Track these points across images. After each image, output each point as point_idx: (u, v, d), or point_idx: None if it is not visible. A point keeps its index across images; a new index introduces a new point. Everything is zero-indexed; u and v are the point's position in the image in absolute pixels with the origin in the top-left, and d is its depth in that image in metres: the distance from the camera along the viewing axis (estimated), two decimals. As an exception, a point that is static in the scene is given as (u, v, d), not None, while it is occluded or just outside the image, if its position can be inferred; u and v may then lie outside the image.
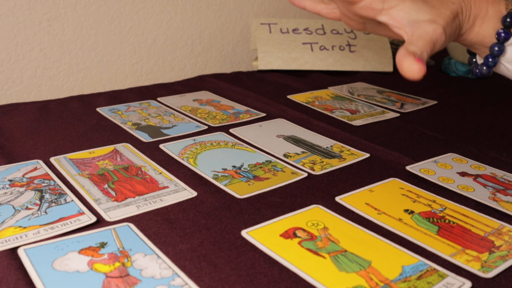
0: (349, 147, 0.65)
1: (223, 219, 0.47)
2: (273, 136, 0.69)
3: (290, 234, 0.45)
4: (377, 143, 0.67)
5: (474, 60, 0.57)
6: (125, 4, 0.96)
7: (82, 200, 0.50)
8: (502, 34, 0.50)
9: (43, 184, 0.52)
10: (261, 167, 0.59)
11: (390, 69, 1.05)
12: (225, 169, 0.58)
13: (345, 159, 0.62)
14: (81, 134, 0.68)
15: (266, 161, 0.60)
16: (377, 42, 1.07)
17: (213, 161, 0.60)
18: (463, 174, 0.58)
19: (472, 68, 0.56)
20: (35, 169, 0.56)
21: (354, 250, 0.43)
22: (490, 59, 0.52)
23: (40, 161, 0.58)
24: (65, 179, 0.54)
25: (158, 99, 0.84)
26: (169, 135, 0.68)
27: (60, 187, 0.52)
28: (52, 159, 0.59)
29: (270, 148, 0.64)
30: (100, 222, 0.46)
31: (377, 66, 1.05)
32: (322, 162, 0.61)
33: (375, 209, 0.50)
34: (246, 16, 1.13)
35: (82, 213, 0.47)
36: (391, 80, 1.01)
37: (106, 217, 0.47)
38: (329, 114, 0.79)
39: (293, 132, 0.70)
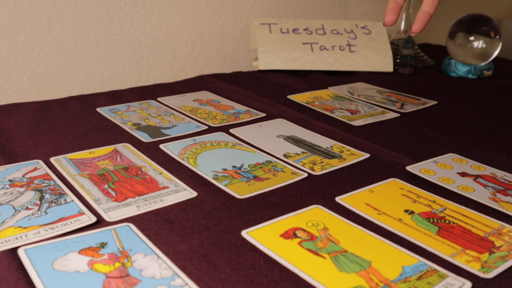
0: (349, 147, 0.65)
1: (223, 219, 0.47)
2: (273, 136, 0.69)
3: (290, 234, 0.45)
4: (377, 143, 0.67)
5: None
6: (125, 4, 0.96)
7: (82, 200, 0.50)
8: None
9: (43, 184, 0.52)
10: (261, 167, 0.59)
11: (390, 69, 1.05)
12: (225, 169, 0.58)
13: (345, 159, 0.62)
14: (81, 134, 0.68)
15: (266, 161, 0.60)
16: (377, 42, 1.07)
17: (213, 161, 0.60)
18: (463, 174, 0.58)
19: None
20: (35, 169, 0.56)
21: (354, 250, 0.43)
22: None
23: (40, 161, 0.58)
24: (65, 179, 0.54)
25: (158, 99, 0.84)
26: (169, 135, 0.68)
27: (60, 187, 0.52)
28: (52, 159, 0.59)
29: (270, 148, 0.64)
30: (100, 222, 0.46)
31: (377, 66, 1.05)
32: (322, 162, 0.61)
33: (375, 209, 0.50)
34: (246, 16, 1.13)
35: (82, 213, 0.47)
36: (391, 80, 1.01)
37: (106, 217, 0.47)
38: (329, 114, 0.79)
39: (293, 132, 0.70)
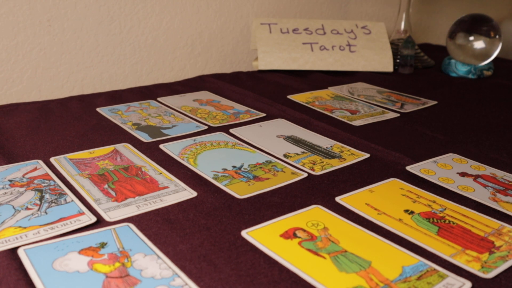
0: (349, 147, 0.65)
1: (223, 219, 0.47)
2: (273, 136, 0.69)
3: (290, 234, 0.45)
4: (377, 143, 0.67)
5: None
6: (125, 4, 0.96)
7: (82, 200, 0.50)
8: None
9: (43, 184, 0.52)
10: (261, 167, 0.59)
11: (390, 69, 1.05)
12: (225, 169, 0.58)
13: (345, 159, 0.62)
14: (81, 134, 0.68)
15: (266, 161, 0.60)
16: (377, 42, 1.07)
17: (213, 161, 0.60)
18: (463, 174, 0.58)
19: None
20: (35, 169, 0.56)
21: (354, 250, 0.43)
22: None
23: (40, 161, 0.58)
24: (65, 179, 0.54)
25: (158, 99, 0.84)
26: (169, 135, 0.68)
27: (60, 187, 0.52)
28: (52, 159, 0.59)
29: (270, 148, 0.64)
30: (100, 222, 0.46)
31: (377, 66, 1.05)
32: (322, 162, 0.61)
33: (375, 209, 0.50)
34: (246, 16, 1.13)
35: (82, 213, 0.47)
36: (391, 80, 1.01)
37: (106, 217, 0.47)
38: (329, 114, 0.79)
39: (293, 132, 0.70)
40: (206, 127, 0.71)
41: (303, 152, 0.63)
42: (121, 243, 0.42)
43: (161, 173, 0.56)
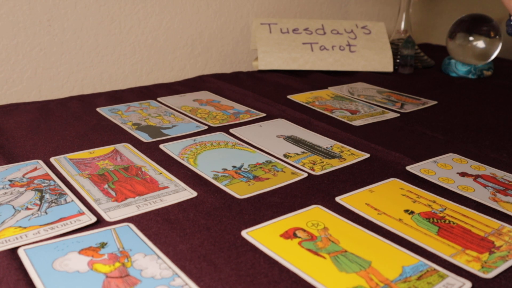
0: (349, 147, 0.65)
1: (223, 219, 0.47)
2: (273, 136, 0.69)
3: (290, 234, 0.45)
4: (377, 143, 0.67)
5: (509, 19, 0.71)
6: (125, 4, 0.96)
7: (82, 200, 0.50)
8: None
9: (43, 184, 0.52)
10: (261, 167, 0.59)
11: (390, 69, 1.05)
12: (225, 169, 0.58)
13: (345, 159, 0.62)
14: (81, 134, 0.68)
15: (266, 161, 0.60)
16: (377, 42, 1.07)
17: (213, 161, 0.60)
18: (463, 174, 0.58)
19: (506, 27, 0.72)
20: (35, 169, 0.56)
21: (354, 250, 0.43)
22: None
23: (40, 161, 0.58)
24: (65, 179, 0.54)
25: (158, 99, 0.84)
26: (169, 135, 0.68)
27: (60, 187, 0.52)
28: (52, 159, 0.59)
29: (270, 148, 0.64)
30: (100, 222, 0.46)
31: (377, 66, 1.05)
32: (322, 162, 0.61)
33: (375, 209, 0.50)
34: (246, 16, 1.13)
35: (82, 213, 0.47)
36: (391, 80, 1.01)
37: (106, 217, 0.47)
38: (329, 114, 0.79)
39: (293, 132, 0.70)
40: (206, 127, 0.71)
41: (303, 152, 0.63)
42: (121, 243, 0.42)
43: (161, 173, 0.56)
